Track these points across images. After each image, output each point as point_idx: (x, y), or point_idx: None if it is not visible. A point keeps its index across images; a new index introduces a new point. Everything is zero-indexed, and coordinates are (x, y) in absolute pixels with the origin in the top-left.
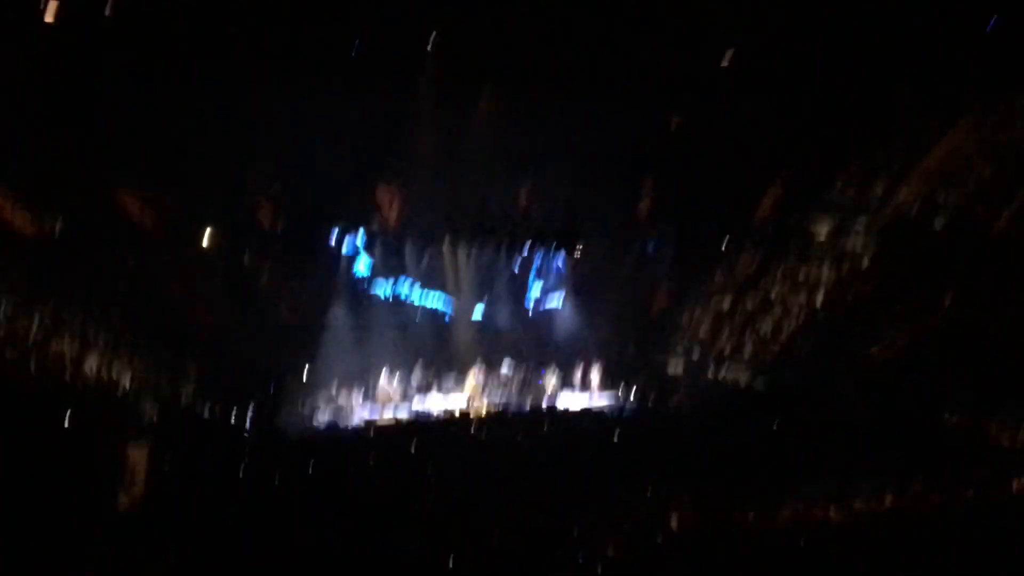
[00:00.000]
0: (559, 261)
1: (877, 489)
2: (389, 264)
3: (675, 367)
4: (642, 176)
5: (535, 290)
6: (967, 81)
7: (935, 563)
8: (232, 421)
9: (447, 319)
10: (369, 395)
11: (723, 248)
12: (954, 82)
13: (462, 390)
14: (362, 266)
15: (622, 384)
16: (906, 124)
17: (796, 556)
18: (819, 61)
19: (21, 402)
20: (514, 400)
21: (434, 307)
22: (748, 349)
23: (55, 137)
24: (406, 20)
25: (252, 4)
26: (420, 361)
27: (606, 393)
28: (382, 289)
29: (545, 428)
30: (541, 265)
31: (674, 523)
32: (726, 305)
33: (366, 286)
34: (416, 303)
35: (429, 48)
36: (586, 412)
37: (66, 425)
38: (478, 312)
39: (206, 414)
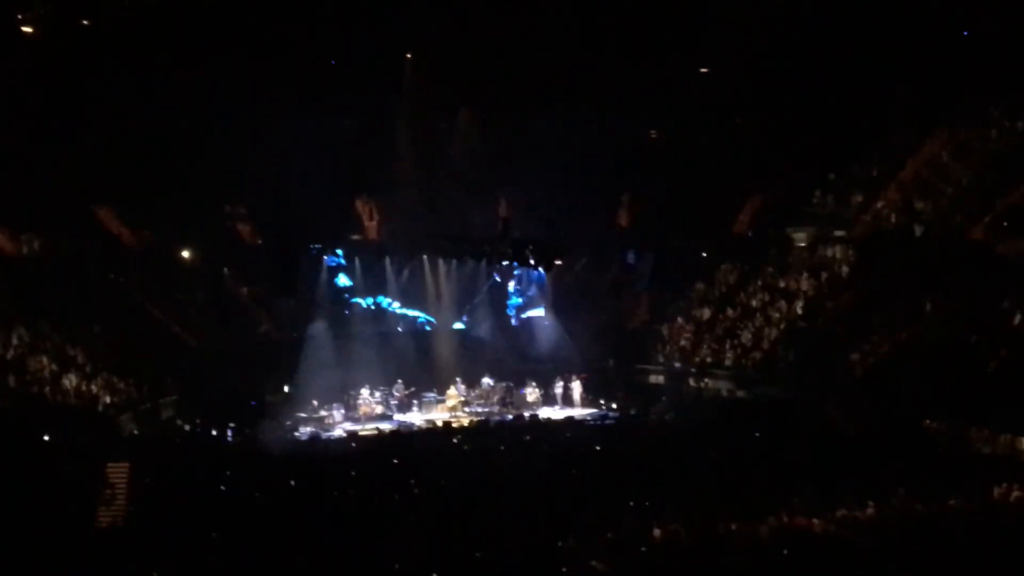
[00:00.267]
0: (539, 274)
1: (860, 498)
2: (369, 279)
3: (657, 378)
4: (622, 189)
5: (516, 303)
6: (943, 92)
7: (919, 571)
8: (213, 436)
9: (428, 332)
10: (351, 408)
11: (703, 259)
12: (930, 93)
13: (444, 402)
14: (343, 281)
15: (604, 395)
16: (883, 135)
17: (780, 566)
18: (797, 75)
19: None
20: (496, 411)
21: (415, 321)
22: (729, 359)
23: (36, 157)
24: (386, 39)
25: (234, 26)
26: (401, 374)
27: (588, 404)
28: (363, 304)
29: (527, 439)
30: (521, 278)
31: (658, 534)
32: (707, 315)
33: (347, 301)
34: (397, 317)
35: (408, 66)
36: (568, 423)
37: (45, 441)
38: (459, 325)
39: (187, 429)
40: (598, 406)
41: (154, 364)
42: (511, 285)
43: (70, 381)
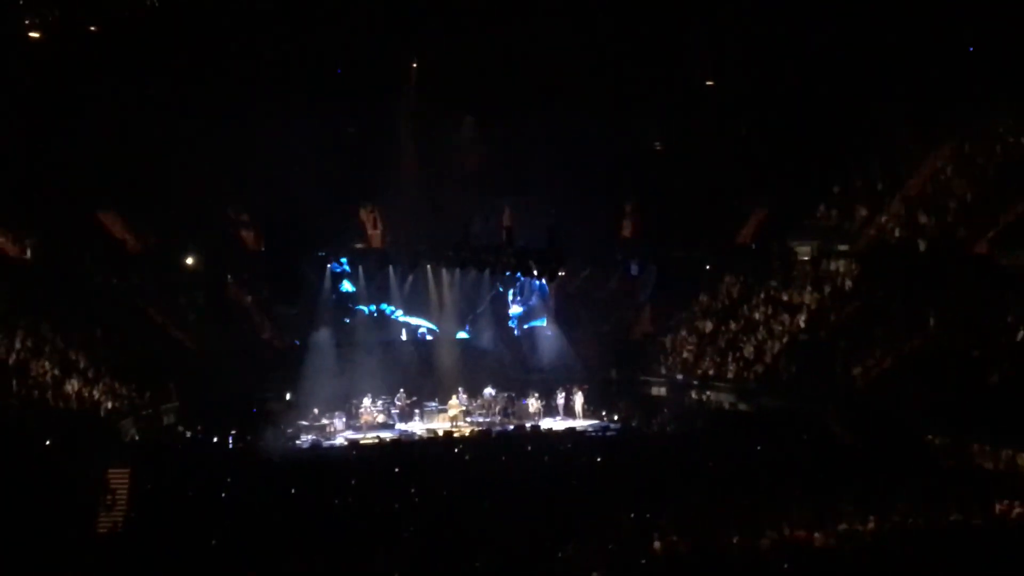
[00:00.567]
0: (541, 284)
1: (861, 511)
2: (372, 287)
3: (659, 389)
4: (626, 200)
5: (518, 313)
6: (947, 106)
7: None
8: (214, 443)
9: (430, 341)
10: (352, 417)
11: (706, 271)
12: (934, 107)
13: (445, 412)
14: (345, 289)
15: (606, 406)
16: (887, 149)
17: None
18: (802, 88)
19: (1, 423)
20: (497, 421)
21: (417, 329)
22: (731, 371)
23: (40, 161)
24: (391, 46)
25: (239, 32)
26: (403, 383)
27: (590, 415)
28: (365, 311)
29: (529, 450)
30: (524, 288)
31: (658, 546)
32: (709, 327)
33: (350, 309)
34: (399, 325)
35: (412, 74)
36: (570, 434)
37: (47, 446)
38: (461, 334)
39: (188, 436)
40: (600, 417)
41: (156, 370)
42: (514, 294)
43: (72, 386)
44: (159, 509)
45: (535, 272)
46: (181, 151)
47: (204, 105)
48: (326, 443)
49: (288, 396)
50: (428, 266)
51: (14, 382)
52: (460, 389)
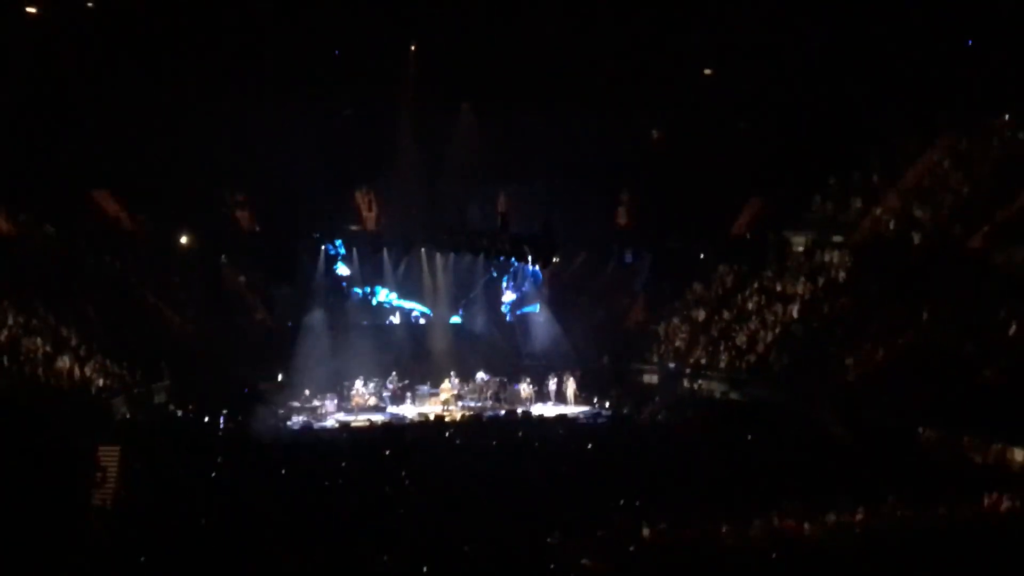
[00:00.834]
0: (536, 270)
1: (850, 503)
2: (367, 270)
3: (651, 377)
4: (621, 188)
5: (512, 299)
6: (945, 100)
7: None
8: (205, 422)
9: (424, 325)
10: (344, 399)
11: (700, 260)
12: (932, 102)
13: (437, 395)
14: (340, 272)
15: (597, 393)
16: (884, 142)
17: (769, 568)
18: (800, 79)
19: None
20: (489, 406)
21: (411, 313)
22: (724, 361)
23: (34, 137)
24: (389, 30)
25: (237, 14)
26: (396, 366)
27: (581, 402)
28: (359, 294)
29: (520, 435)
30: (518, 274)
31: (647, 533)
32: (702, 316)
33: (343, 291)
34: (393, 309)
35: (411, 58)
36: (561, 420)
37: (37, 422)
38: (454, 319)
39: (179, 415)
40: (591, 404)
41: (148, 349)
42: (508, 280)
43: (63, 363)
44: (148, 488)
45: (529, 258)
46: (177, 130)
47: (201, 85)
48: (317, 425)
49: (280, 377)
50: (422, 250)
51: (5, 358)
52: (452, 373)
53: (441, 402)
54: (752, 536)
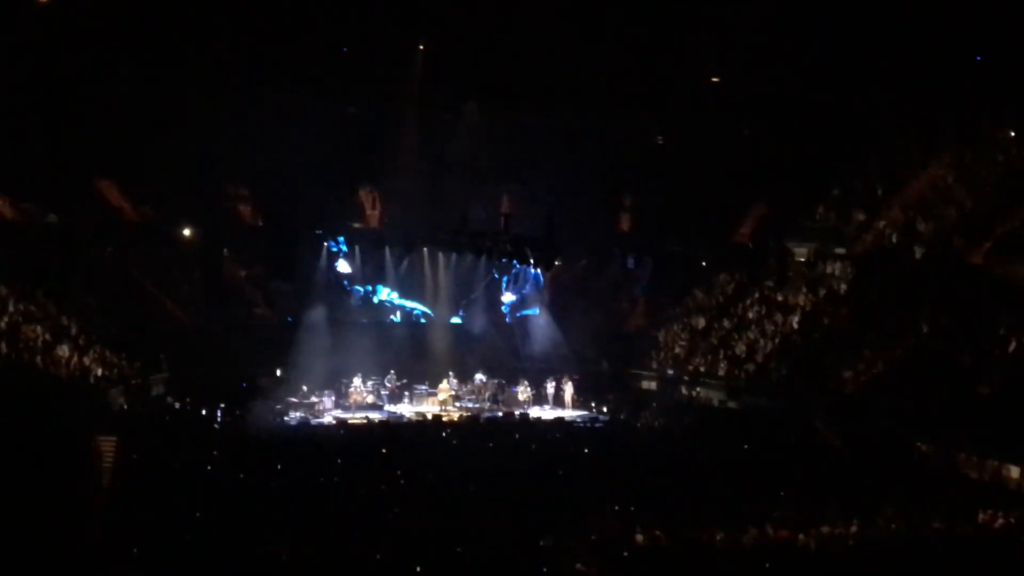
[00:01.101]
0: (537, 273)
1: (845, 514)
2: (369, 267)
3: (649, 383)
4: (624, 193)
5: (512, 301)
6: (950, 113)
7: None
8: (203, 415)
9: (424, 325)
10: (342, 396)
11: (702, 268)
12: (937, 114)
13: (435, 395)
14: (341, 269)
15: (595, 398)
16: (888, 153)
17: None
18: (805, 88)
19: None
20: (486, 407)
21: (411, 312)
22: (722, 369)
23: (39, 125)
24: (396, 28)
25: (245, 8)
26: (394, 364)
27: (579, 406)
28: (360, 292)
29: (516, 437)
30: (518, 276)
31: (640, 538)
32: (702, 324)
33: (345, 288)
34: (393, 307)
35: (417, 56)
36: (558, 423)
37: (35, 409)
38: (455, 320)
39: (176, 407)
40: (589, 408)
41: (147, 340)
42: (509, 282)
43: (62, 352)
44: (144, 480)
45: (531, 260)
46: (183, 123)
47: (208, 79)
48: (314, 421)
49: (278, 372)
50: (424, 249)
51: (4, 345)
52: (451, 373)
53: (439, 402)
54: (746, 544)
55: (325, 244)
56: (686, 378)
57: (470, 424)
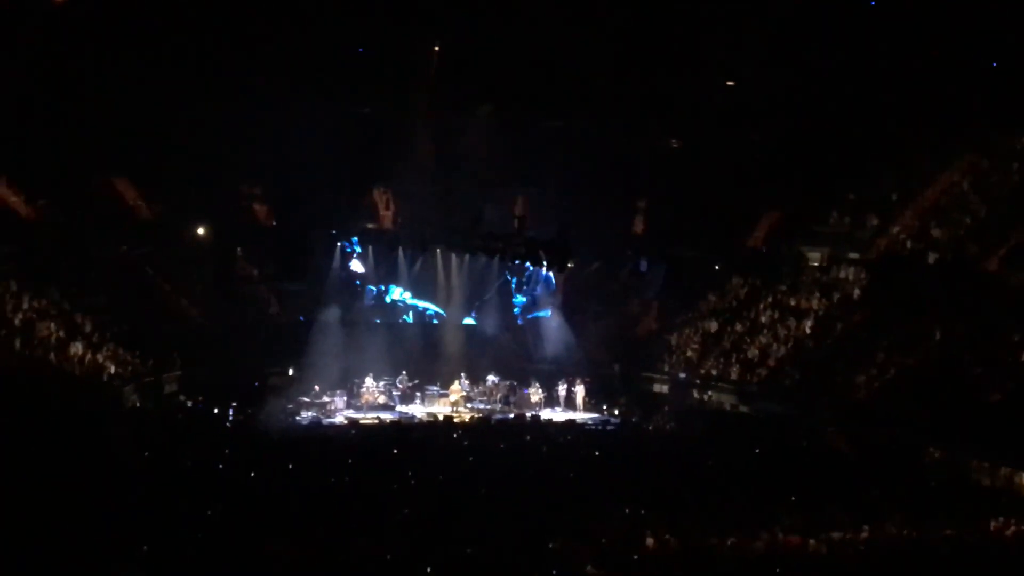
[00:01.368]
0: (550, 275)
1: (855, 520)
2: (382, 268)
3: (661, 387)
4: (638, 196)
5: (524, 303)
6: (967, 120)
7: None
8: (215, 414)
9: (436, 325)
10: (353, 396)
11: (715, 271)
12: (953, 121)
13: (446, 396)
14: (354, 269)
15: (607, 401)
16: (904, 159)
17: None
18: (821, 94)
19: (4, 382)
20: (498, 409)
21: (423, 313)
22: (735, 373)
23: (54, 122)
24: (411, 30)
25: (261, 8)
26: (407, 365)
27: (590, 409)
28: (373, 292)
29: (527, 439)
30: (531, 278)
31: (650, 542)
32: (715, 328)
33: (357, 288)
34: (406, 308)
35: (432, 58)
36: (569, 425)
37: (49, 407)
38: (467, 321)
39: (189, 405)
40: (600, 411)
41: (160, 338)
42: (522, 284)
43: (76, 349)
44: (156, 477)
45: (544, 263)
46: (199, 121)
47: (223, 77)
48: (326, 420)
49: (291, 372)
50: (438, 250)
51: (18, 341)
52: (463, 374)
53: (450, 403)
54: (755, 549)
55: (338, 244)
56: (698, 382)
57: (481, 425)
